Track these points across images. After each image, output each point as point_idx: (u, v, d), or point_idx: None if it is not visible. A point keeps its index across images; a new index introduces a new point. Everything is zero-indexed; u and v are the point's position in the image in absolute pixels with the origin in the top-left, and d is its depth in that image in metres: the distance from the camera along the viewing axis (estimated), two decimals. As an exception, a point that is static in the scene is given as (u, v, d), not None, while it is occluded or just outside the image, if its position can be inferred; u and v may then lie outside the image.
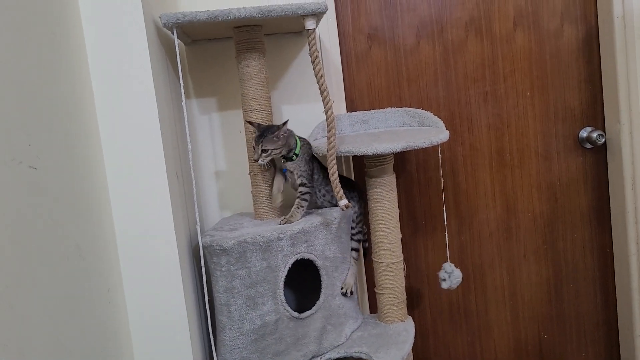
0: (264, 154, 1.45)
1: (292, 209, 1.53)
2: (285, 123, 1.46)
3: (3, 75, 0.91)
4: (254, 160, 1.48)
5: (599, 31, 1.96)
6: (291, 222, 1.50)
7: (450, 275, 1.68)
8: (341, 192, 1.41)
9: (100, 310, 1.19)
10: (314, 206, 1.61)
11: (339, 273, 1.57)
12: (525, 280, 2.06)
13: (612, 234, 2.06)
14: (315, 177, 1.57)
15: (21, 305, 0.89)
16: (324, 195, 1.59)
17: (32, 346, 0.91)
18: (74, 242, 1.11)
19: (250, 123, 1.49)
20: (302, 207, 1.53)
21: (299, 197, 1.53)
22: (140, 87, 1.29)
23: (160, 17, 1.35)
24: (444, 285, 1.69)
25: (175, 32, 1.39)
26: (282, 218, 1.51)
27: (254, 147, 1.47)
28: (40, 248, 0.97)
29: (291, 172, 1.54)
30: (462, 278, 1.70)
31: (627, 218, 1.96)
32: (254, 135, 1.48)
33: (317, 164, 1.59)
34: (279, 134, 1.46)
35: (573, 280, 2.07)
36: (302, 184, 1.53)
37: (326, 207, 1.60)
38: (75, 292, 1.09)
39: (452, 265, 1.69)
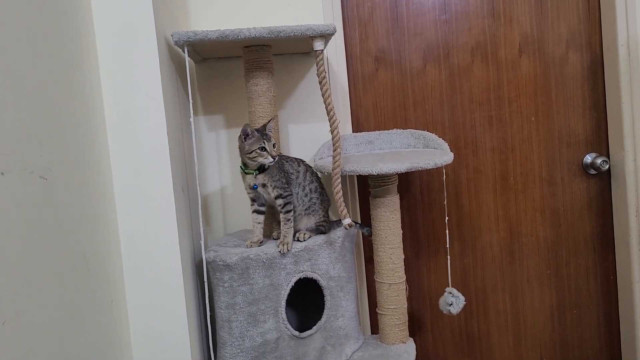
0: (275, 148, 1.41)
1: (282, 229, 1.46)
2: (270, 120, 1.46)
3: (18, 87, 0.94)
4: (272, 158, 1.39)
5: (604, 59, 1.98)
6: (289, 242, 1.44)
7: (457, 300, 1.67)
8: (345, 210, 1.42)
9: (103, 322, 1.19)
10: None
11: (344, 293, 1.57)
12: (528, 305, 2.05)
13: (616, 260, 2.05)
14: (294, 177, 1.52)
15: (27, 312, 0.90)
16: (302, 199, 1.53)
17: (36, 354, 0.91)
18: (81, 253, 1.12)
19: (245, 131, 1.40)
20: (290, 220, 1.46)
21: (281, 212, 1.46)
22: (150, 103, 1.32)
23: (172, 35, 1.38)
24: (453, 310, 1.67)
25: (186, 50, 1.42)
26: (279, 245, 1.44)
27: (262, 148, 1.39)
28: (47, 257, 0.98)
29: (264, 185, 1.47)
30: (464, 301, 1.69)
31: (631, 245, 1.95)
32: (252, 139, 1.40)
33: (300, 168, 1.55)
34: (271, 127, 1.45)
35: (576, 307, 2.06)
36: (278, 196, 1.46)
37: (304, 213, 1.54)
38: (80, 302, 1.10)
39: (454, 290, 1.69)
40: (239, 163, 1.79)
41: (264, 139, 1.40)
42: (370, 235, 1.65)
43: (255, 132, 1.41)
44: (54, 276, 1.00)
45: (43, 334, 0.95)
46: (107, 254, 1.26)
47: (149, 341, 1.34)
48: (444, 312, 1.68)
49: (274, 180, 1.46)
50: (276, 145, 1.43)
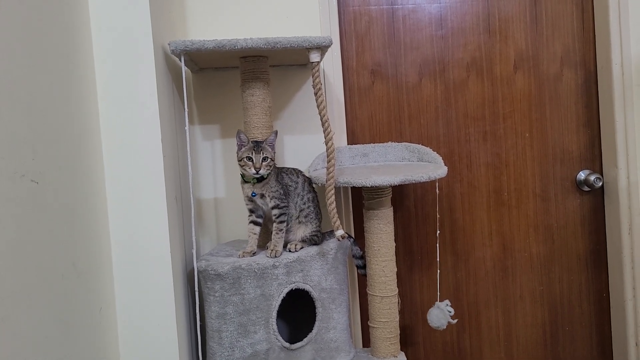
0: (264, 162, 1.42)
1: (273, 238, 1.48)
2: (275, 132, 1.48)
3: (13, 92, 0.94)
4: (255, 170, 1.42)
5: (598, 77, 2.00)
6: (278, 251, 1.46)
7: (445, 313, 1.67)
8: (338, 222, 1.42)
9: (91, 330, 1.18)
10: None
11: (336, 305, 1.56)
12: (521, 322, 2.04)
13: (609, 277, 2.05)
14: (292, 189, 1.54)
15: (14, 319, 0.89)
16: (301, 209, 1.55)
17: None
18: (70, 259, 1.11)
19: (240, 138, 1.45)
20: (282, 230, 1.48)
21: (275, 222, 1.48)
22: (145, 111, 1.32)
23: (169, 44, 1.39)
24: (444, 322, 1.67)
25: (182, 59, 1.43)
26: (269, 251, 1.47)
27: (248, 157, 1.42)
28: (36, 262, 0.98)
29: (262, 195, 1.48)
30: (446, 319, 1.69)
31: (624, 263, 1.95)
32: (244, 147, 1.44)
33: (297, 180, 1.56)
34: (273, 141, 1.46)
35: (569, 324, 2.06)
36: (275, 206, 1.48)
37: (302, 220, 1.55)
38: (68, 310, 1.09)
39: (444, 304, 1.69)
40: (234, 173, 1.80)
41: (254, 149, 1.43)
42: (363, 268, 1.66)
43: (250, 142, 1.45)
44: (42, 282, 1.00)
45: (30, 341, 0.94)
46: (97, 262, 1.25)
47: (138, 350, 1.33)
48: (439, 325, 1.67)
49: (272, 191, 1.48)
50: (268, 159, 1.43)
